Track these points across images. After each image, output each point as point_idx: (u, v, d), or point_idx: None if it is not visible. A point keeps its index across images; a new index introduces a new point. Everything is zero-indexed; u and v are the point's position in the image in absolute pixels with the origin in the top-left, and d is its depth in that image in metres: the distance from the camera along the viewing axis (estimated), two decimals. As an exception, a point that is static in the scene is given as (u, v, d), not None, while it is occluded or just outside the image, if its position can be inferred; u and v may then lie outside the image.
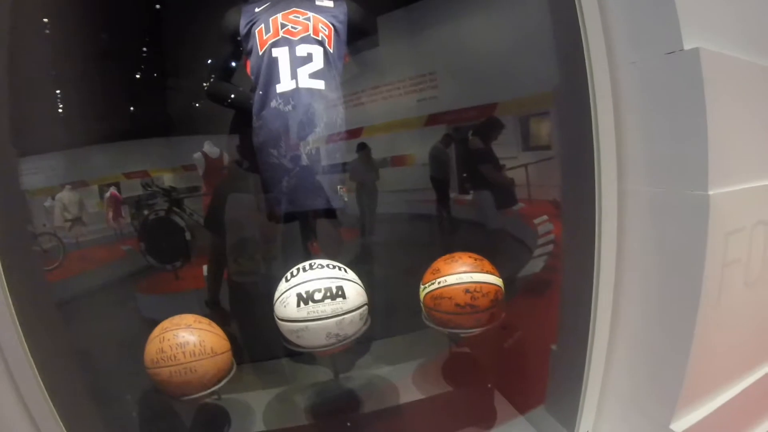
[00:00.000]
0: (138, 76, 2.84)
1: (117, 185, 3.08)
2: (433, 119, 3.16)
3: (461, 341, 1.94)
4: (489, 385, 1.91)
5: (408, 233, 3.00)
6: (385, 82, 3.13)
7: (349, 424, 1.72)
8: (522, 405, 1.94)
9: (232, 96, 1.94)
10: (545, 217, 2.33)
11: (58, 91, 2.35)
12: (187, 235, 2.94)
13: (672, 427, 1.47)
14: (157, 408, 1.74)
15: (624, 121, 1.52)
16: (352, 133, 2.53)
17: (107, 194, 3.09)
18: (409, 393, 1.80)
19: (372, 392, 1.87)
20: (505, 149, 2.89)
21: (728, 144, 1.39)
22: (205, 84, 1.95)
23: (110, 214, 3.07)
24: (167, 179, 3.14)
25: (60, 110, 2.39)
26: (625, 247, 1.56)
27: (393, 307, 2.20)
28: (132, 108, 2.86)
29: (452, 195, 3.06)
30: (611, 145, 1.51)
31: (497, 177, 2.59)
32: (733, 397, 1.63)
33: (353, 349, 2.09)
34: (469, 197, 3.02)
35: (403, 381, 1.89)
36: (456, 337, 1.64)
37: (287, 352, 2.12)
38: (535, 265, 2.36)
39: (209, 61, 1.99)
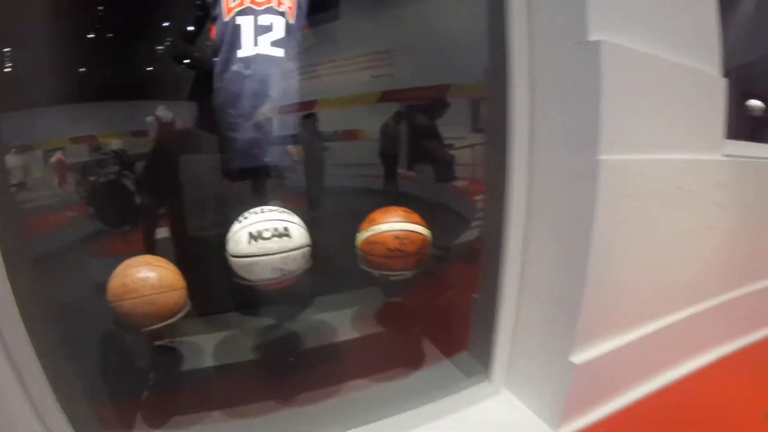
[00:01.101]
0: (91, 36, 2.92)
1: (63, 150, 3.16)
2: (386, 96, 3.31)
3: (396, 292, 2.25)
4: (417, 330, 2.24)
5: (353, 206, 3.13)
6: (342, 57, 3.26)
7: (291, 359, 2.00)
8: (448, 350, 2.25)
9: (195, 56, 2.15)
10: (486, 194, 2.66)
11: (4, 50, 2.37)
12: (138, 199, 3.07)
13: (571, 359, 1.80)
14: (117, 354, 1.95)
15: (538, 99, 1.88)
16: (306, 105, 2.72)
17: (53, 159, 3.16)
18: (346, 335, 2.12)
19: (312, 334, 2.17)
20: (457, 129, 3.16)
21: (620, 121, 1.74)
22: (168, 44, 2.14)
23: (57, 180, 3.14)
24: (117, 144, 3.24)
25: (5, 70, 2.40)
26: (532, 206, 1.93)
27: (334, 268, 2.43)
28: (82, 70, 2.90)
29: (400, 170, 3.25)
30: (525, 120, 1.88)
31: (438, 153, 2.89)
32: (630, 341, 2.00)
33: (297, 301, 2.37)
34: (414, 173, 3.28)
35: (341, 326, 2.21)
36: (386, 278, 1.91)
37: (235, 306, 2.37)
38: (471, 234, 2.71)
39: (170, 24, 2.18)
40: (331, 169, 3.22)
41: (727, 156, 2.34)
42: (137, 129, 3.07)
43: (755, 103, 3.11)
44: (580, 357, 1.83)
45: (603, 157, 1.66)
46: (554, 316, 1.92)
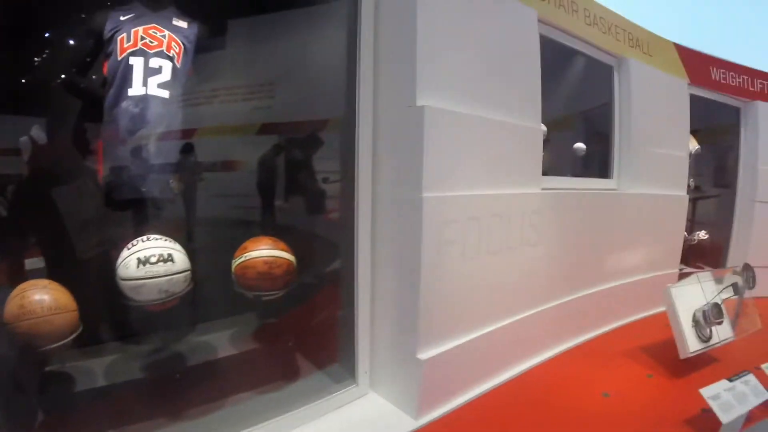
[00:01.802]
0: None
1: None
2: (266, 128, 3.51)
3: (273, 314, 2.80)
4: (292, 346, 2.83)
5: (231, 236, 3.22)
6: (225, 86, 3.43)
7: (178, 375, 2.45)
8: (320, 362, 2.78)
9: (85, 88, 2.46)
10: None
11: None
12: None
13: (418, 356, 2.44)
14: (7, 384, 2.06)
15: (379, 146, 2.59)
16: (186, 133, 2.85)
17: None
18: (227, 353, 2.59)
19: (195, 353, 2.60)
20: (333, 164, 3.41)
21: (441, 167, 2.50)
22: (63, 75, 2.45)
23: None
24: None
25: None
26: (377, 232, 2.63)
27: (214, 296, 2.72)
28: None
29: (277, 202, 3.52)
30: (368, 162, 2.59)
31: (310, 186, 3.46)
32: (473, 339, 2.73)
33: (179, 327, 2.79)
34: (289, 204, 3.53)
35: (223, 346, 2.67)
36: (259, 299, 2.35)
37: (118, 336, 2.68)
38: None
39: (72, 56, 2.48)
40: (210, 200, 3.35)
41: (544, 189, 3.26)
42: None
43: (579, 145, 4.21)
44: (425, 354, 2.47)
45: (426, 194, 2.37)
46: (401, 323, 2.53)
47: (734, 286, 3.41)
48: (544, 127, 3.50)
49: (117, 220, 2.51)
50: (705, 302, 3.39)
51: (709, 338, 3.40)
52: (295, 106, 3.46)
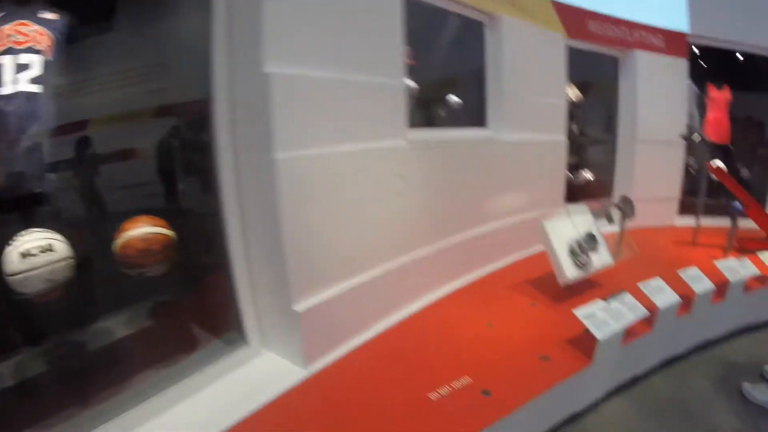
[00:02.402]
0: None
1: None
2: (162, 111, 3.33)
3: (169, 296, 2.87)
4: (191, 323, 2.85)
5: None
6: (115, 71, 3.20)
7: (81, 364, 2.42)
8: (217, 330, 2.83)
9: None
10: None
11: None
12: None
13: (294, 308, 2.58)
14: None
15: (238, 114, 2.62)
16: (77, 126, 2.83)
17: None
18: (128, 335, 2.62)
19: (95, 340, 2.57)
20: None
21: (294, 129, 2.54)
22: None
23: None
24: None
25: None
26: (243, 195, 2.70)
27: (107, 288, 2.72)
28: None
29: (180, 186, 3.39)
30: (226, 129, 2.65)
31: (204, 166, 3.42)
32: (351, 288, 2.89)
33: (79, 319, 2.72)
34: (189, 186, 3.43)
35: (123, 331, 2.64)
36: (143, 275, 2.36)
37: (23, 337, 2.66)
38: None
39: None
40: (110, 192, 3.23)
41: (410, 141, 3.37)
42: None
43: (452, 98, 4.41)
44: (301, 305, 2.60)
45: (279, 155, 2.46)
46: (275, 279, 2.61)
47: (608, 216, 3.71)
48: (412, 83, 3.63)
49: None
50: (581, 233, 3.65)
51: (587, 265, 3.70)
52: (188, 86, 3.26)
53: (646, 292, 3.15)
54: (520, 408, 2.34)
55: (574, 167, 5.87)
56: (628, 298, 3.02)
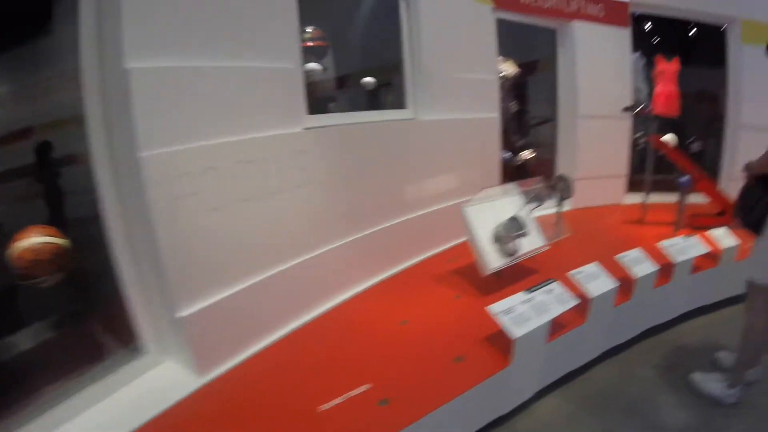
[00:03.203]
0: None
1: None
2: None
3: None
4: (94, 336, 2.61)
5: None
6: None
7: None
8: (121, 340, 2.54)
9: None
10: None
11: None
12: None
13: (177, 314, 2.31)
14: None
15: (110, 111, 2.27)
16: None
17: None
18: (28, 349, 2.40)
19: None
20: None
21: (161, 123, 2.21)
22: None
23: None
24: None
25: None
26: (124, 196, 2.34)
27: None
28: None
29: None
30: (98, 127, 2.30)
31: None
32: (239, 290, 2.57)
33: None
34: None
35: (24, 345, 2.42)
36: (37, 285, 2.14)
37: None
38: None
39: None
40: None
41: (308, 128, 2.96)
42: None
43: (367, 80, 3.91)
44: (186, 311, 2.34)
45: (144, 153, 2.14)
46: (158, 285, 2.34)
47: (537, 197, 3.24)
48: (316, 66, 3.17)
49: None
50: (508, 217, 3.19)
51: (515, 252, 3.23)
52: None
53: (578, 279, 2.78)
54: (421, 420, 2.04)
55: (516, 148, 5.40)
56: (555, 287, 2.61)
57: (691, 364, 2.94)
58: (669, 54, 5.69)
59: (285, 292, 2.83)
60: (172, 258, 2.27)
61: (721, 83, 5.91)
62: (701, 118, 6.26)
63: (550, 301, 2.54)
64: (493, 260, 3.08)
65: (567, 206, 5.12)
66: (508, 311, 2.39)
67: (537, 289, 2.58)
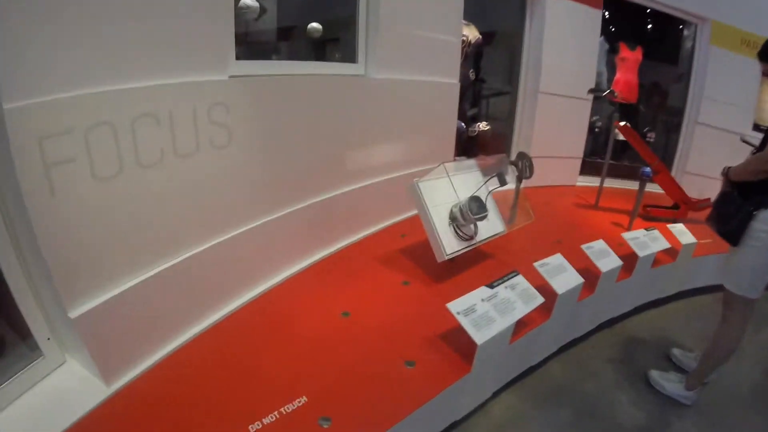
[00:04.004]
0: None
1: None
2: None
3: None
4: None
5: None
6: None
7: None
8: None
9: None
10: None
11: None
12: None
13: (69, 315, 1.72)
14: None
15: None
16: None
17: None
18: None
19: None
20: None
21: (31, 63, 1.49)
22: None
23: None
24: None
25: None
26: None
27: None
28: None
29: None
30: None
31: None
32: (149, 277, 1.99)
33: None
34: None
35: None
36: None
37: None
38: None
39: None
40: None
41: (233, 76, 2.29)
42: None
43: (313, 26, 3.30)
44: (76, 312, 1.75)
45: (8, 105, 1.43)
46: (46, 277, 1.71)
47: (499, 176, 2.83)
48: (252, 2, 2.61)
49: None
50: (466, 195, 2.76)
51: (473, 236, 2.83)
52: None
53: (543, 273, 2.43)
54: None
55: (470, 118, 4.98)
56: (519, 281, 2.24)
57: (645, 359, 2.83)
58: (632, 42, 5.55)
59: (201, 279, 2.26)
60: (52, 245, 1.65)
61: (675, 79, 5.88)
62: (654, 110, 6.19)
63: (514, 298, 2.21)
64: (450, 244, 2.66)
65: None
66: (469, 311, 2.03)
67: (500, 284, 2.22)
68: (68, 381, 1.87)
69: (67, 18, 1.57)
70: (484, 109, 5.61)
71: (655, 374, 2.60)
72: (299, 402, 1.81)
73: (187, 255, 2.17)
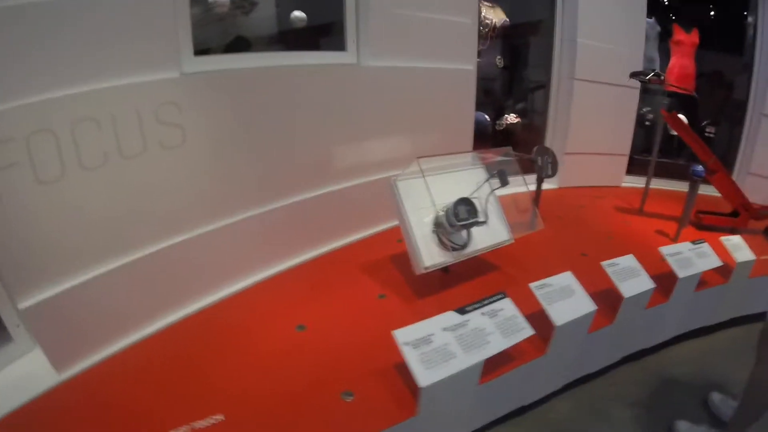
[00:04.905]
0: None
1: None
2: None
3: None
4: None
5: None
6: None
7: None
8: None
9: None
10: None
11: None
12: None
13: (19, 306, 1.76)
14: None
15: None
16: None
17: None
18: None
19: None
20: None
21: None
22: None
23: None
24: None
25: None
26: None
27: None
28: None
29: None
30: None
31: None
32: (98, 275, 1.93)
33: None
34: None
35: None
36: None
37: None
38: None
39: None
40: None
41: (185, 73, 2.07)
42: None
43: (296, 14, 2.81)
44: (26, 303, 1.76)
45: None
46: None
47: (500, 174, 2.30)
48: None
49: None
50: (456, 198, 2.24)
51: (464, 245, 2.32)
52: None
53: (540, 298, 1.94)
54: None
55: (498, 110, 4.38)
56: (504, 306, 1.72)
57: (675, 403, 2.27)
58: (688, 25, 4.70)
59: (153, 281, 2.12)
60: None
61: (738, 70, 4.95)
62: (715, 102, 5.24)
63: (492, 329, 1.70)
64: (431, 255, 2.17)
65: (553, 185, 4.21)
66: (422, 342, 1.55)
67: (475, 309, 1.71)
68: (30, 366, 1.88)
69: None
70: (522, 103, 4.94)
71: (683, 426, 2.06)
72: (214, 420, 1.60)
73: (137, 256, 2.05)
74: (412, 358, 1.51)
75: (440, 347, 1.58)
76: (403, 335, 1.56)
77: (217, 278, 2.39)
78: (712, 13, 5.05)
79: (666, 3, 4.96)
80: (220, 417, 1.62)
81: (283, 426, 1.61)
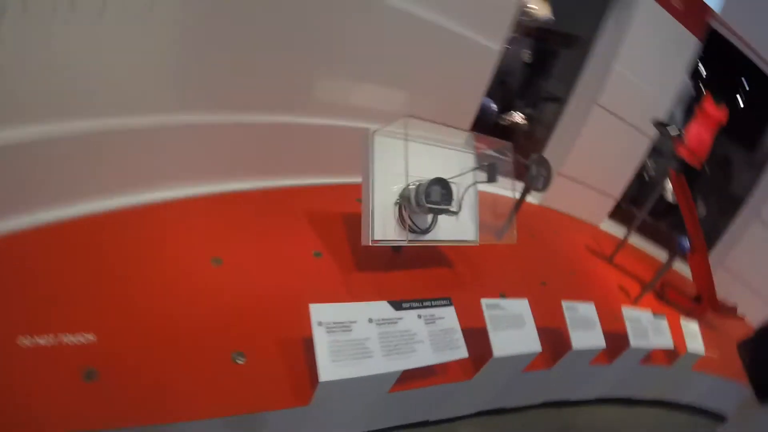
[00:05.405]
0: None
1: None
2: None
3: None
4: None
5: None
6: None
7: None
8: None
9: None
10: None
11: None
12: None
13: None
14: None
15: None
16: None
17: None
18: None
19: None
20: None
21: None
22: None
23: None
24: None
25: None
26: None
27: None
28: None
29: None
30: None
31: None
32: None
33: None
34: None
35: None
36: None
37: None
38: None
39: None
40: None
41: None
42: None
43: None
44: None
45: None
46: None
47: (489, 168, 1.98)
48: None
49: None
50: (432, 176, 1.90)
51: (424, 230, 2.00)
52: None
53: (488, 320, 1.70)
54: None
55: (508, 104, 4.11)
56: (446, 315, 1.53)
57: None
58: (719, 98, 4.50)
59: (69, 161, 1.64)
60: None
61: (745, 164, 4.96)
62: (715, 182, 5.17)
63: (423, 337, 1.40)
64: (384, 228, 1.85)
65: (535, 199, 3.95)
66: (339, 327, 1.25)
67: (414, 308, 1.43)
68: None
69: None
70: (529, 106, 4.62)
71: None
72: (83, 338, 1.28)
73: (60, 132, 1.57)
74: (322, 344, 1.22)
75: (358, 341, 1.28)
76: (319, 312, 1.25)
77: (144, 180, 1.93)
78: (741, 99, 4.86)
79: (704, 71, 4.69)
80: (91, 337, 1.30)
81: (155, 371, 1.27)
